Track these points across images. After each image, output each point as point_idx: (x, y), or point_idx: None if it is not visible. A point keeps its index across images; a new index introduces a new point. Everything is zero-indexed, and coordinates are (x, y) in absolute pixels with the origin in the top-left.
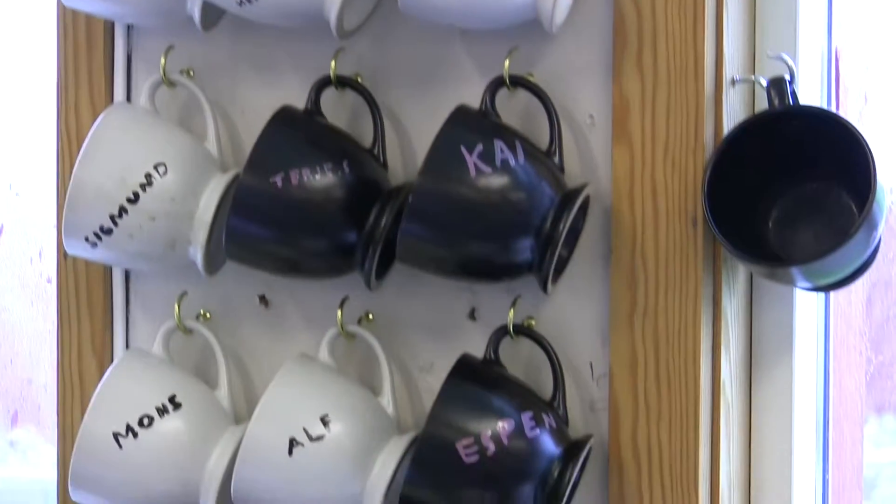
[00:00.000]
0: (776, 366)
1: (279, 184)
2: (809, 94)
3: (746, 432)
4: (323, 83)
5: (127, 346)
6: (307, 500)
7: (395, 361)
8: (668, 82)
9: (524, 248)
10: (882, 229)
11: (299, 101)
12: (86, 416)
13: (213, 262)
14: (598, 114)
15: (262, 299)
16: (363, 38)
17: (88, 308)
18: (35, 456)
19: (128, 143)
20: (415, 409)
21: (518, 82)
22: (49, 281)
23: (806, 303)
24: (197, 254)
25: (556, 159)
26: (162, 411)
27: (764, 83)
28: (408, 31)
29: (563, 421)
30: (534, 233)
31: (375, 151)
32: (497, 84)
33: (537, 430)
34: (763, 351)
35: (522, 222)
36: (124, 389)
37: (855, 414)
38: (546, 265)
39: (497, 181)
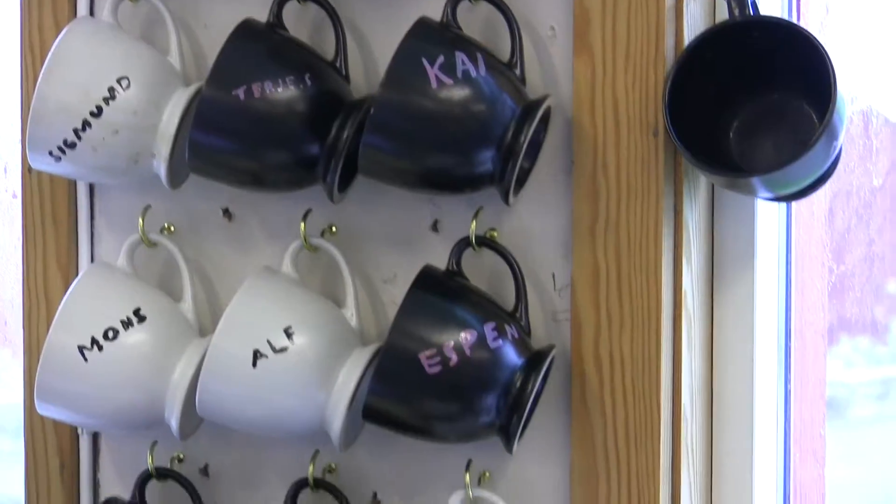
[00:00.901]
0: (738, 276)
1: (241, 97)
2: (770, 4)
3: (708, 343)
4: None
5: (92, 260)
6: (271, 411)
7: (357, 273)
8: None
9: (486, 160)
10: (843, 139)
11: (262, 15)
12: (51, 329)
13: (176, 176)
14: (559, 25)
15: (226, 212)
16: None
17: (53, 222)
18: (9, 378)
19: (91, 58)
20: (378, 321)
21: None
22: (14, 196)
23: (767, 213)
24: (160, 167)
25: (518, 71)
26: (127, 324)
27: None
28: None
29: (525, 332)
30: (495, 144)
31: (337, 64)
32: None
33: (500, 341)
34: (724, 261)
35: (484, 133)
36: (89, 303)
37: (817, 324)
38: (507, 176)
39: (458, 93)
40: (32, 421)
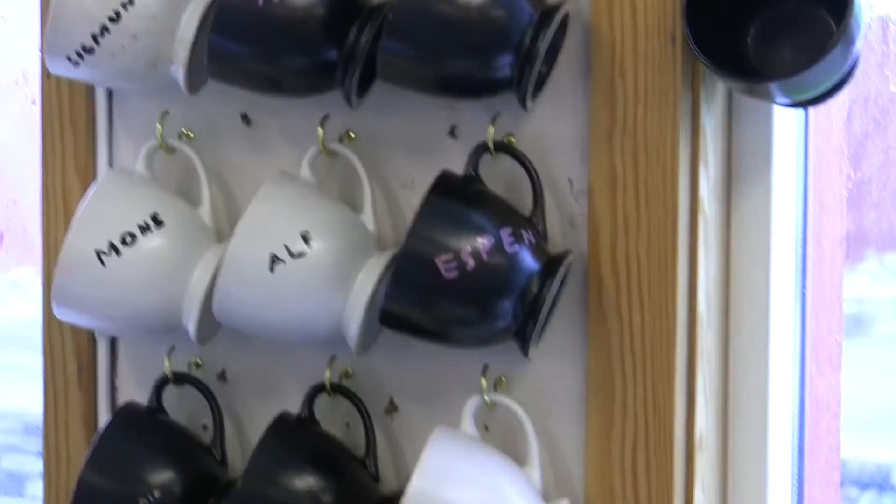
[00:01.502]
0: (755, 182)
1: (259, 1)
2: None
3: (725, 248)
4: None
5: (110, 166)
6: (288, 316)
7: (375, 178)
8: None
9: (504, 65)
10: (860, 45)
11: None
12: (68, 234)
13: (194, 81)
14: None
15: (244, 118)
16: None
17: (72, 128)
18: (34, 294)
19: None
20: (396, 226)
21: None
22: (34, 102)
23: (785, 119)
24: (179, 72)
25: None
26: (144, 229)
27: None
28: None
29: (542, 237)
30: (513, 49)
31: None
32: None
33: (516, 246)
34: (742, 167)
35: (502, 38)
36: (107, 208)
37: (835, 231)
38: (525, 81)
39: None
40: (50, 326)
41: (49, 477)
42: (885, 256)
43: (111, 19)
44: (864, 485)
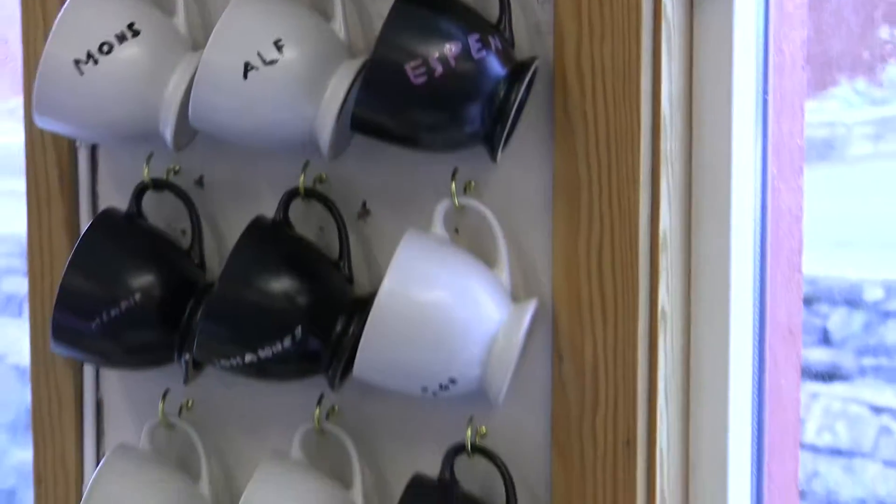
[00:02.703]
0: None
1: None
2: None
3: (688, 57)
4: None
5: None
6: (262, 121)
7: None
8: None
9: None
10: None
11: None
12: (47, 43)
13: None
14: None
15: None
16: None
17: None
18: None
19: None
20: (365, 34)
21: None
22: None
23: None
24: None
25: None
26: (121, 38)
27: None
28: None
29: (509, 43)
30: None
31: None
32: None
33: (484, 52)
34: None
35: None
36: (84, 17)
37: (796, 38)
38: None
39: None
40: (32, 135)
41: (34, 286)
42: (856, 81)
43: None
44: (834, 301)
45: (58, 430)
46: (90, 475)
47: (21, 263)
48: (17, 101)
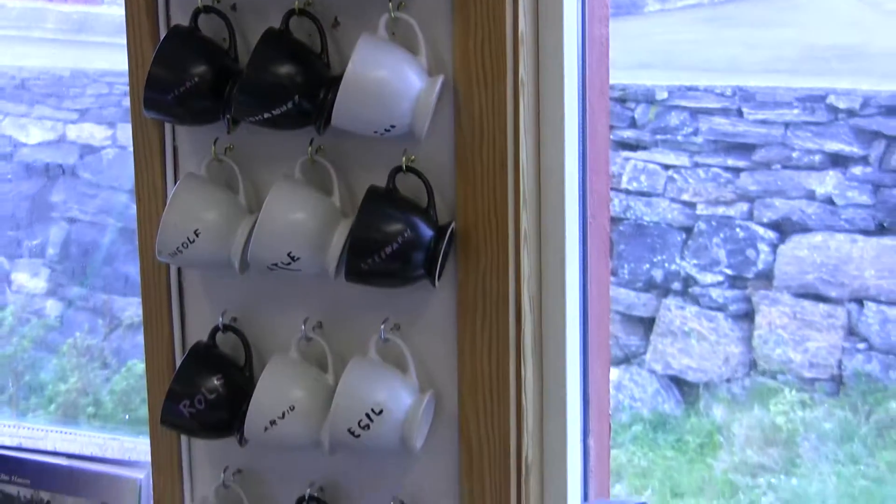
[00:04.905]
0: None
1: None
2: None
3: None
4: None
5: None
6: None
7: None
8: None
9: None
10: None
11: None
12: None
13: None
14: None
15: None
16: None
17: None
18: None
19: None
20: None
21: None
22: None
23: None
24: None
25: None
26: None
27: None
28: None
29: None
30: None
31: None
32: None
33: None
34: None
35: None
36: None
37: None
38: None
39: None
40: None
41: (133, 79)
42: None
43: None
44: (638, 100)
45: (151, 164)
46: (171, 191)
47: None
48: None
